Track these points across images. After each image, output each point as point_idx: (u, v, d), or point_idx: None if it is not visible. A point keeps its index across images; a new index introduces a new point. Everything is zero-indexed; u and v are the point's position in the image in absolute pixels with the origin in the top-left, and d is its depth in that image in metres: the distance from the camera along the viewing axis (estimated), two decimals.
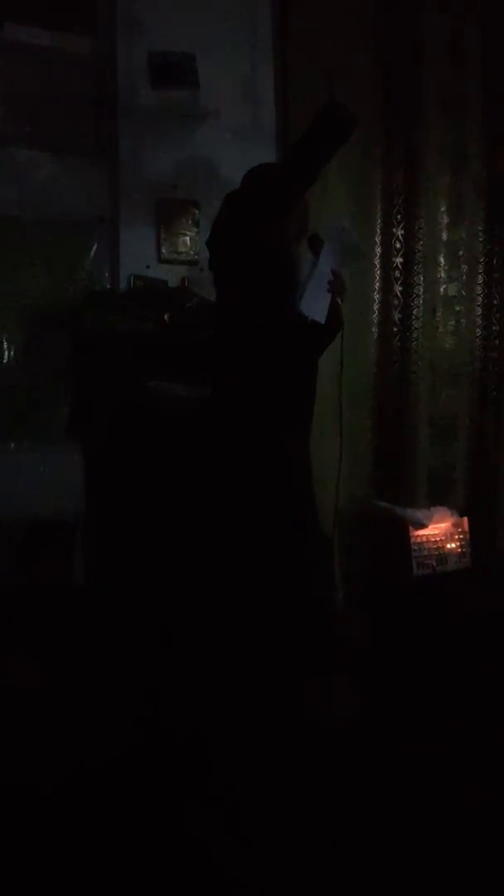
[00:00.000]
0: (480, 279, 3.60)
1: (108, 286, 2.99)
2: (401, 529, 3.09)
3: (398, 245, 3.40)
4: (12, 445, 2.89)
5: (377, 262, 3.38)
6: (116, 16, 2.93)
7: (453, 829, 2.05)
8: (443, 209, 3.48)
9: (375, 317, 3.41)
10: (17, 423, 2.90)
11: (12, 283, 2.86)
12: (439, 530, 3.13)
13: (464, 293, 3.55)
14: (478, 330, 3.62)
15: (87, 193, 2.93)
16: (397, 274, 3.41)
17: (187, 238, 3.04)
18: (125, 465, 2.69)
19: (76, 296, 2.93)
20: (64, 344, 2.91)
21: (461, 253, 3.53)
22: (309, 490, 2.57)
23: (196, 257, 3.02)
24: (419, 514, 3.15)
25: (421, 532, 3.09)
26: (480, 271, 3.60)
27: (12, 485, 2.75)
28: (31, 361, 2.91)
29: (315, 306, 2.35)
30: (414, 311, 3.41)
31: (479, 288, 3.61)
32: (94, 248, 2.98)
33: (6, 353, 2.87)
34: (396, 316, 3.42)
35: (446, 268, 3.53)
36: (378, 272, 3.39)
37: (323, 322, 2.37)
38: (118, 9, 2.92)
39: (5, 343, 2.87)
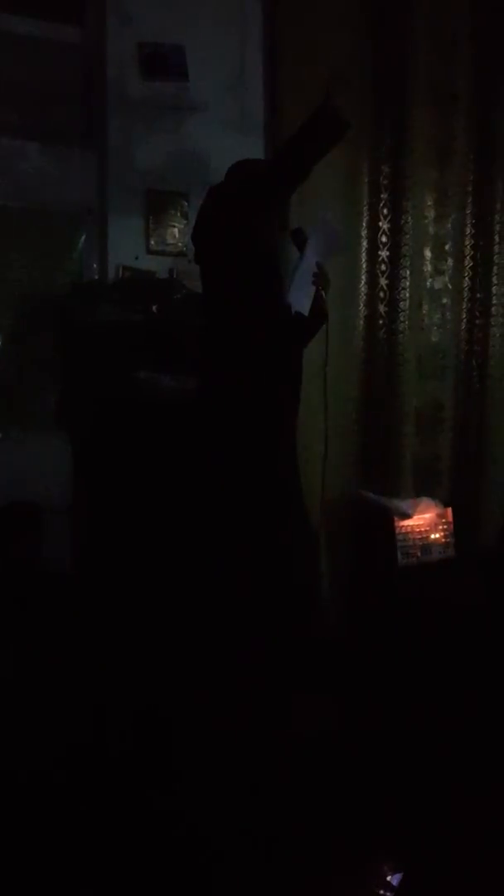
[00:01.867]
0: (466, 273, 3.63)
1: (97, 277, 2.99)
2: (386, 520, 3.12)
3: (384, 239, 3.42)
4: (0, 435, 2.90)
5: (363, 255, 3.40)
6: (106, 6, 2.92)
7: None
8: (430, 203, 3.49)
9: (361, 310, 3.43)
10: (4, 413, 2.91)
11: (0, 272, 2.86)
12: (424, 521, 3.16)
13: (450, 286, 3.57)
14: (463, 323, 3.65)
15: (76, 184, 2.93)
16: (383, 267, 3.43)
17: (176, 229, 3.05)
18: (113, 454, 2.70)
19: (64, 286, 2.94)
20: (52, 334, 2.92)
21: (447, 247, 3.55)
22: (295, 480, 2.60)
23: (184, 249, 3.03)
24: (404, 504, 3.17)
25: (406, 522, 3.12)
26: (466, 265, 3.63)
27: (1, 475, 2.76)
28: (19, 351, 2.91)
29: (301, 299, 2.38)
30: (400, 304, 3.42)
31: (465, 281, 3.63)
32: (83, 238, 2.98)
33: None
34: (382, 309, 3.43)
35: (433, 261, 3.54)
36: (364, 266, 3.41)
37: (307, 314, 2.40)
38: None
39: None
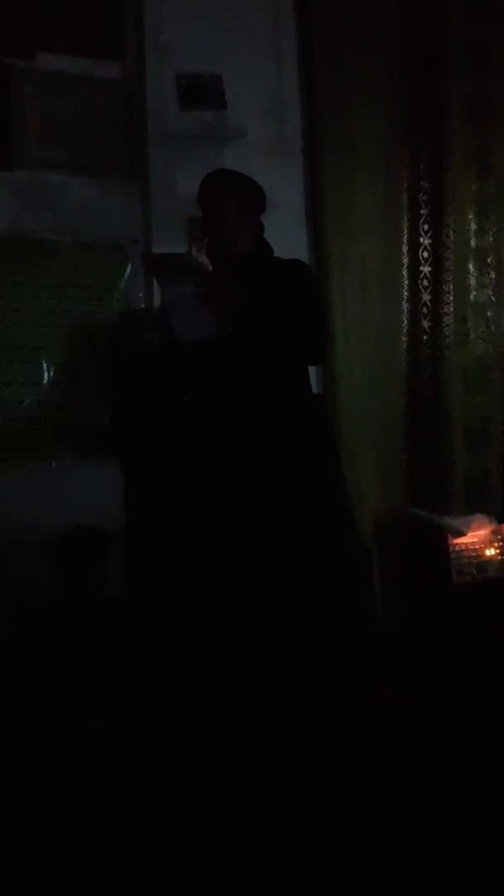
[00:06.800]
0: None
1: (143, 305, 3.05)
2: (439, 538, 3.08)
3: (426, 254, 3.43)
4: (54, 463, 2.94)
5: (405, 272, 3.41)
6: (144, 40, 2.99)
7: None
8: (470, 216, 3.49)
9: (405, 326, 3.44)
10: (57, 441, 2.96)
11: (51, 304, 2.91)
12: (478, 538, 3.11)
13: (493, 299, 3.56)
14: None
15: (121, 216, 2.99)
16: (426, 283, 3.43)
17: None
18: (163, 479, 2.73)
19: (112, 315, 2.99)
20: (101, 363, 2.97)
21: (490, 259, 3.54)
22: (346, 501, 2.60)
23: None
24: (457, 521, 3.13)
25: (459, 540, 3.08)
26: None
27: (55, 502, 2.79)
28: (69, 380, 2.97)
29: (186, 326, 2.38)
30: (444, 319, 3.42)
31: None
32: (129, 268, 3.03)
33: (46, 374, 2.93)
34: (426, 324, 3.43)
35: (476, 274, 3.53)
36: (406, 282, 3.42)
37: (208, 336, 2.36)
38: (145, 33, 2.98)
39: (45, 363, 2.93)
